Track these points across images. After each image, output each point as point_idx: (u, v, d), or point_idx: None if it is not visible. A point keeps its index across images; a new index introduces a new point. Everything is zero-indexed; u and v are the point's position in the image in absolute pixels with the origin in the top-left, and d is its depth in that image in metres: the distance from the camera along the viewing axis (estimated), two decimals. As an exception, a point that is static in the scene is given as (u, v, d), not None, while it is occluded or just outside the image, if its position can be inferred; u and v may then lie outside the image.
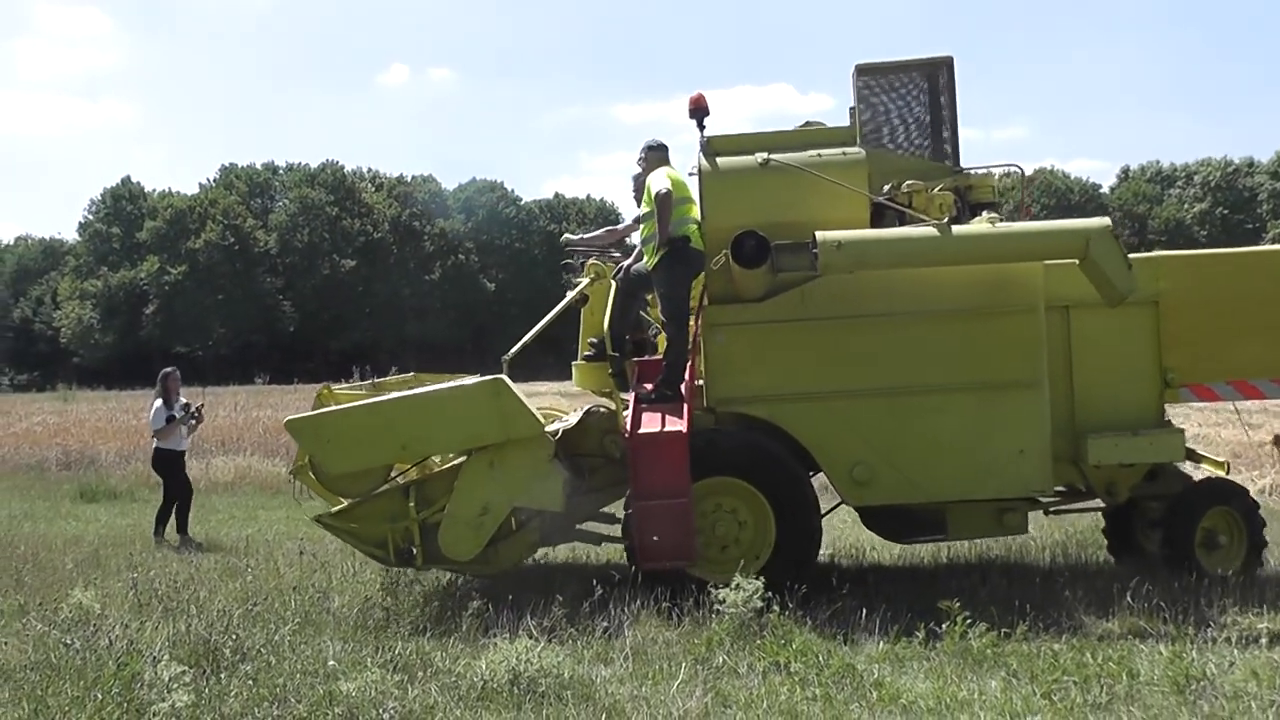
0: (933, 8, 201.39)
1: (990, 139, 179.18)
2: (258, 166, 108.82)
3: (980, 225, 10.02)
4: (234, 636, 8.46)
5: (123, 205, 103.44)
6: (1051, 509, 11.38)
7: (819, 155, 10.39)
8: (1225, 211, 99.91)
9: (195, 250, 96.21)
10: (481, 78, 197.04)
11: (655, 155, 10.97)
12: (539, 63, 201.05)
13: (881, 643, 8.61)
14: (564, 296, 11.60)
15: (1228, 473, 11.31)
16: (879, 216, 10.47)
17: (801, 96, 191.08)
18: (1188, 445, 10.75)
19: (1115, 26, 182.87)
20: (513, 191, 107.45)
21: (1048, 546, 12.14)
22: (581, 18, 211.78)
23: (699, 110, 10.53)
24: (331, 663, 7.89)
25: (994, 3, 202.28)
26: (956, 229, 9.83)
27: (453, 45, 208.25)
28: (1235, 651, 8.14)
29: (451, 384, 10.31)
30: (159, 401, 15.47)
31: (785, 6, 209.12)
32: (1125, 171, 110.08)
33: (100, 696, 6.95)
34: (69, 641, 8.23)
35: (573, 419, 10.86)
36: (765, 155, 10.36)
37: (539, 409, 10.59)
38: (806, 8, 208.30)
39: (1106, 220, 9.83)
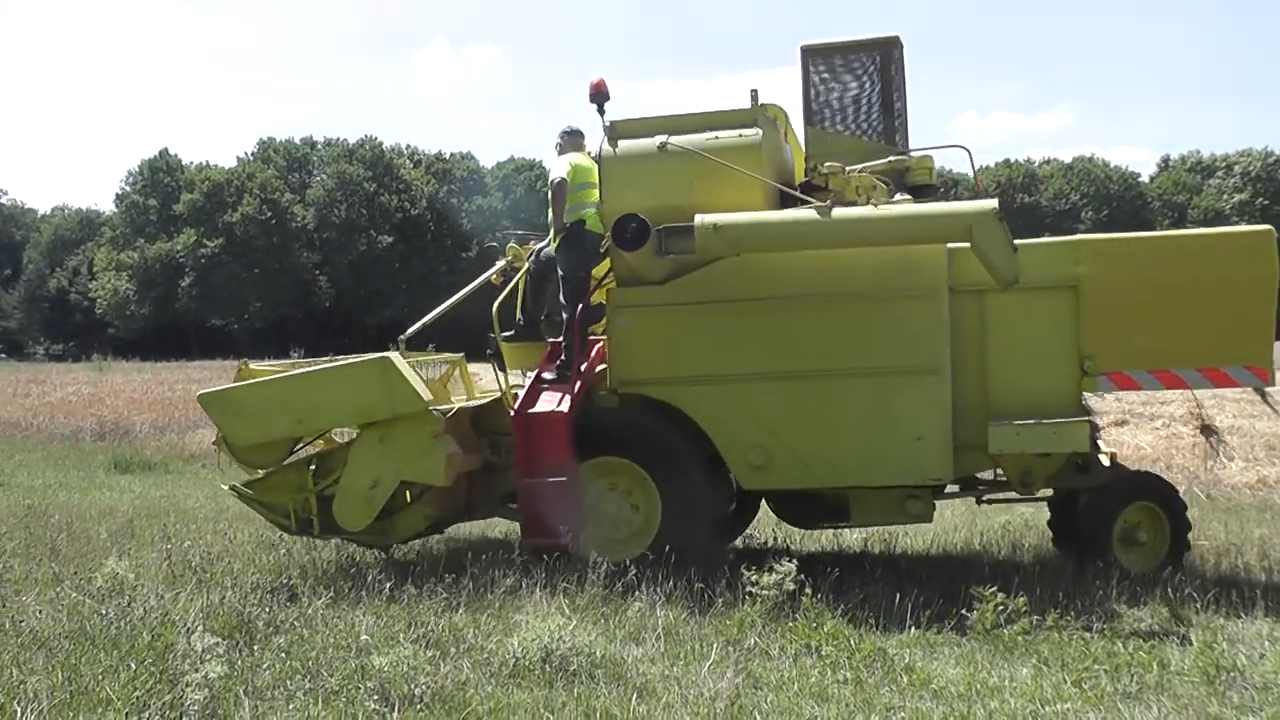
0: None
1: (1032, 124, 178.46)
2: (296, 141, 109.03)
3: (862, 208, 9.92)
4: (267, 609, 8.53)
5: (160, 177, 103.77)
6: (985, 499, 11.27)
7: (716, 138, 10.28)
8: (1265, 202, 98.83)
9: (232, 224, 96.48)
10: (524, 54, 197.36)
11: (568, 140, 11.32)
12: (582, 40, 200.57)
13: (913, 628, 8.61)
14: None
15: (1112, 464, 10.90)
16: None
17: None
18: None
19: (1162, 14, 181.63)
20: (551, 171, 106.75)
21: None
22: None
23: (599, 95, 10.59)
24: (364, 637, 7.93)
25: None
26: (838, 212, 9.72)
27: (495, 21, 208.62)
28: (1266, 643, 8.12)
29: (344, 362, 10.87)
30: None
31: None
32: (1165, 161, 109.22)
33: (134, 666, 6.99)
34: (103, 611, 8.29)
35: (485, 399, 11.24)
36: (663, 139, 10.30)
37: (512, 388, 11.00)
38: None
39: (993, 203, 9.52)
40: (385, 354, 10.47)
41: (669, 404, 10.40)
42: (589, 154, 11.04)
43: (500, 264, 11.99)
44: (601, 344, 11.02)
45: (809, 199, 10.09)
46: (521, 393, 10.78)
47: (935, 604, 8.98)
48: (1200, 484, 15.02)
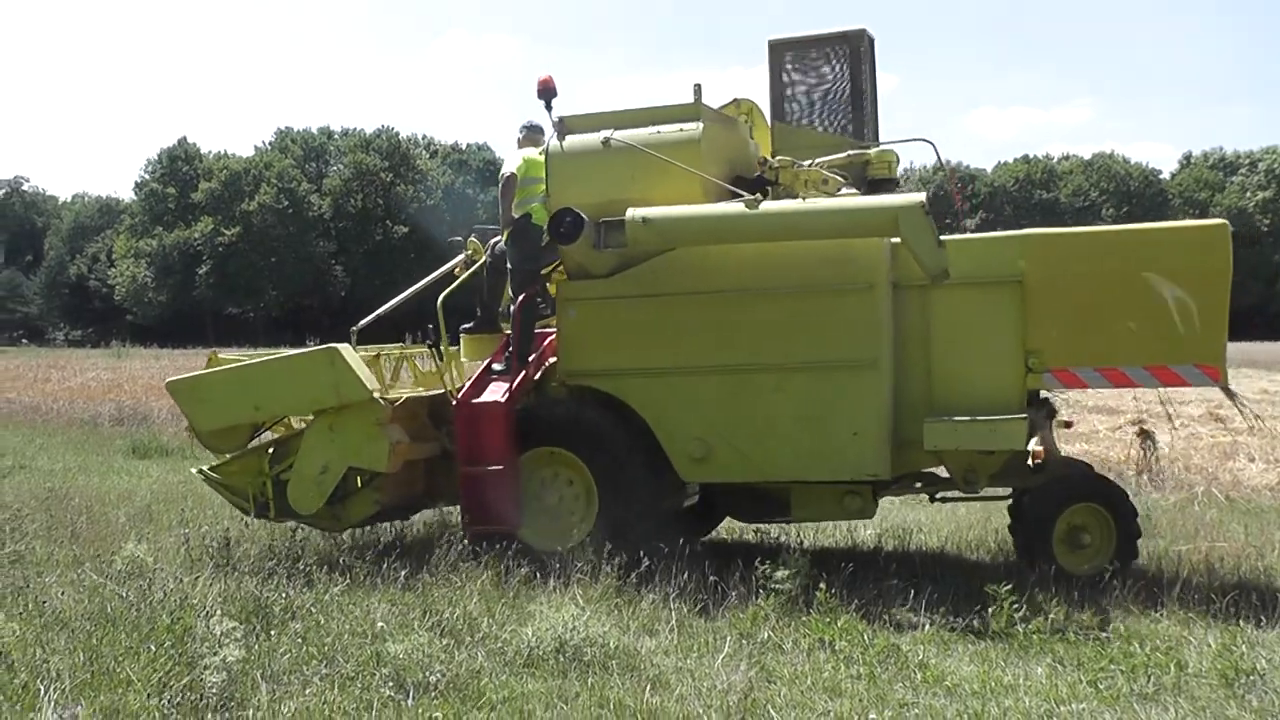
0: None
1: (1051, 119, 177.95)
2: (313, 131, 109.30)
3: (788, 202, 9.92)
4: (284, 595, 8.58)
5: (179, 166, 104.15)
6: (939, 496, 11.15)
7: (658, 133, 10.33)
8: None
9: (249, 212, 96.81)
10: (542, 44, 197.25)
11: (527, 136, 11.53)
12: (601, 30, 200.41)
13: (927, 625, 8.59)
14: None
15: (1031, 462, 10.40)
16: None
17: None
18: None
19: (1184, 8, 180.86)
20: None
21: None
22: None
23: (547, 91, 10.72)
24: (380, 624, 7.97)
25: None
26: (766, 205, 9.78)
27: (513, 10, 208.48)
28: (1286, 646, 8.06)
29: (296, 352, 11.41)
30: None
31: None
32: (1187, 158, 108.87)
33: (153, 648, 7.05)
34: (123, 594, 8.37)
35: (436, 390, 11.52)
36: (608, 134, 10.40)
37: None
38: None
39: (919, 196, 9.41)
40: (333, 345, 10.82)
41: (613, 396, 10.49)
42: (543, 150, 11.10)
43: (460, 258, 12.21)
44: (553, 336, 11.13)
45: (741, 193, 10.07)
46: (467, 383, 10.96)
47: (949, 601, 8.98)
48: (1219, 485, 14.94)
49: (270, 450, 11.17)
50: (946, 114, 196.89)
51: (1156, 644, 8.00)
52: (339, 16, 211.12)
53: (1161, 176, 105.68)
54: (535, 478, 10.64)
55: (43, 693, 6.38)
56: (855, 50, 11.01)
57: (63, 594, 8.61)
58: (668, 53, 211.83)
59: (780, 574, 8.88)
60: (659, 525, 10.17)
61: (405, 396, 11.06)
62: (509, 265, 11.17)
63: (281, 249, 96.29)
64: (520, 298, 10.89)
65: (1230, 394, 10.23)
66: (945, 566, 10.73)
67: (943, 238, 9.50)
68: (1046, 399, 10.71)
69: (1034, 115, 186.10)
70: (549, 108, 10.72)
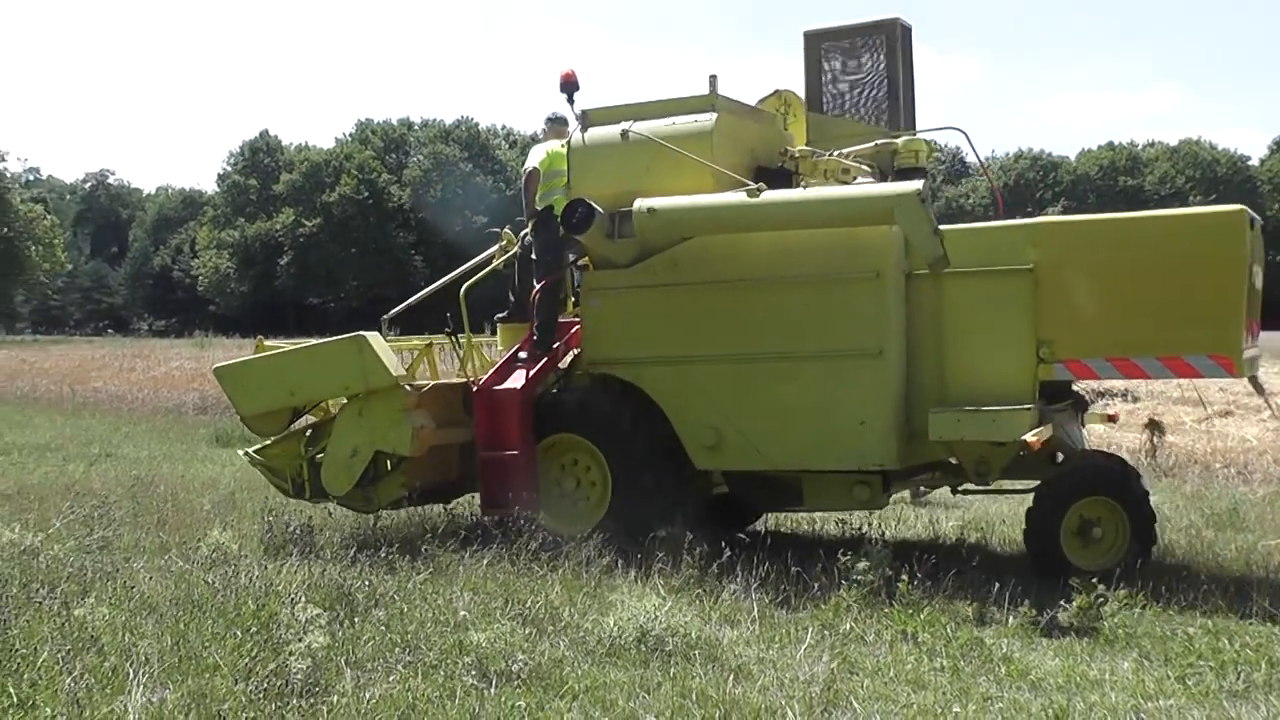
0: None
1: (1136, 104, 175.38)
2: (393, 122, 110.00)
3: (789, 191, 10.02)
4: (367, 582, 8.65)
5: (260, 158, 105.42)
6: (960, 489, 11.02)
7: (672, 124, 10.52)
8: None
9: (330, 203, 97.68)
10: (625, 33, 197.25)
11: (551, 129, 11.88)
12: (684, 22, 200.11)
13: (1010, 618, 8.47)
14: None
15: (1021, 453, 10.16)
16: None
17: (942, 59, 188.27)
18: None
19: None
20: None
21: (1182, 528, 11.85)
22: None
23: (569, 85, 11.12)
24: (463, 613, 8.00)
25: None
26: (767, 195, 9.81)
27: (598, 1, 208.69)
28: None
29: (327, 340, 11.86)
30: None
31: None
32: (1277, 144, 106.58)
33: (240, 634, 7.15)
34: (209, 580, 8.49)
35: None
36: (626, 126, 10.59)
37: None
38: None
39: (916, 185, 9.35)
40: (361, 333, 11.20)
41: (632, 384, 10.69)
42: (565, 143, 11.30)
43: (493, 248, 12.63)
44: (578, 325, 11.33)
45: (747, 183, 10.10)
46: (492, 370, 11.36)
47: (1033, 594, 8.85)
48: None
49: (308, 433, 11.62)
50: (1028, 100, 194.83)
51: (1246, 640, 7.84)
52: (418, 7, 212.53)
53: (1250, 163, 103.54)
54: (555, 463, 10.97)
55: (131, 676, 6.47)
56: (890, 39, 11.09)
57: (150, 580, 8.74)
58: (746, 42, 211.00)
59: (862, 565, 8.82)
60: (671, 511, 10.29)
61: (434, 384, 11.44)
62: (534, 256, 11.47)
63: (362, 239, 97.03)
64: (541, 287, 11.16)
65: (1258, 386, 10.07)
66: (1027, 559, 10.60)
67: (957, 226, 9.69)
68: (1076, 391, 10.55)
69: (1118, 101, 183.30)
70: (571, 101, 11.08)
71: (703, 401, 10.38)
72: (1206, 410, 18.63)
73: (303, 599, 7.94)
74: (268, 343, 12.30)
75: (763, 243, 10.21)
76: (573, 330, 11.44)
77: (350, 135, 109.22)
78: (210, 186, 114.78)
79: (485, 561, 9.50)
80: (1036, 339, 9.61)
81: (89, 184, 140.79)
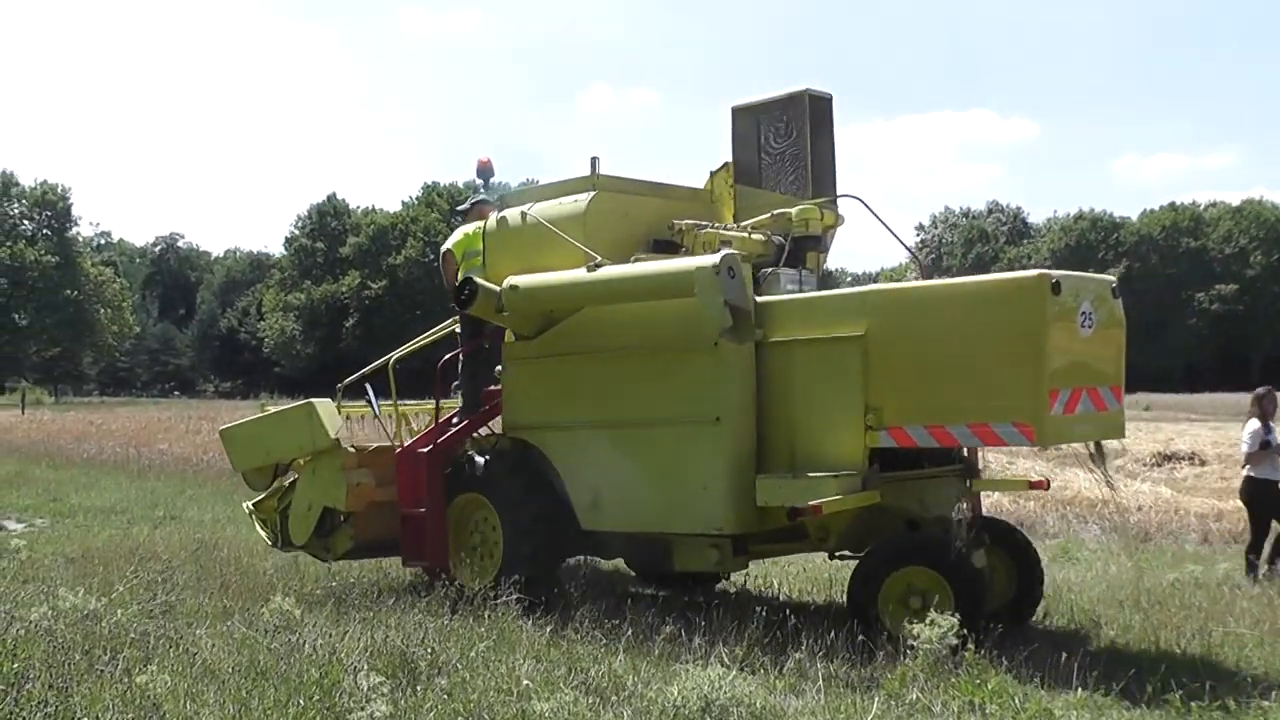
0: (1141, 33, 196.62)
1: (1196, 165, 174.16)
2: (459, 185, 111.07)
3: (616, 266, 10.36)
4: (429, 650, 8.58)
5: (327, 221, 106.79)
6: (836, 554, 10.79)
7: (558, 204, 11.21)
8: None
9: (396, 266, 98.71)
10: (682, 96, 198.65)
11: (472, 210, 12.83)
12: (740, 83, 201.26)
13: (1080, 688, 8.27)
14: None
15: (792, 519, 9.80)
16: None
17: (1003, 122, 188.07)
18: None
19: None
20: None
21: (1254, 596, 11.55)
22: (787, 42, 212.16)
23: (484, 171, 12.65)
24: (525, 682, 7.91)
25: (1201, 26, 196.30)
26: (602, 270, 10.31)
27: (655, 66, 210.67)
28: None
29: (288, 406, 13.10)
30: (1255, 423, 13.36)
31: (989, 31, 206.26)
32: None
33: (302, 702, 7.11)
34: (272, 646, 8.46)
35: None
36: (525, 208, 11.39)
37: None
38: (1012, 33, 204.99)
39: (713, 259, 9.48)
40: (310, 400, 12.42)
41: (535, 447, 11.38)
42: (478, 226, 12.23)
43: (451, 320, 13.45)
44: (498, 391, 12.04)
45: (603, 261, 10.41)
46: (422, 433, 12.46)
47: (1102, 664, 8.65)
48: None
49: (286, 489, 12.59)
50: (1089, 161, 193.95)
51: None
52: (485, 74, 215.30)
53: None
54: (470, 519, 11.69)
55: (194, 745, 6.44)
56: (814, 110, 11.37)
57: (213, 646, 8.72)
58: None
59: (928, 633, 8.65)
60: (554, 568, 11.35)
61: (376, 445, 12.65)
62: (457, 330, 12.66)
63: (426, 301, 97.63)
64: (460, 356, 12.35)
65: (1099, 455, 10.12)
66: (1096, 625, 10.39)
67: (799, 295, 10.39)
68: (965, 457, 10.34)
69: (1179, 161, 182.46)
70: (486, 186, 12.53)
71: (586, 464, 10.99)
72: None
73: (365, 666, 7.89)
74: (269, 406, 13.73)
75: (627, 314, 10.70)
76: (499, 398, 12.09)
77: (416, 199, 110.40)
78: (278, 249, 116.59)
79: (549, 628, 9.41)
80: (866, 406, 9.60)
81: (158, 247, 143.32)
